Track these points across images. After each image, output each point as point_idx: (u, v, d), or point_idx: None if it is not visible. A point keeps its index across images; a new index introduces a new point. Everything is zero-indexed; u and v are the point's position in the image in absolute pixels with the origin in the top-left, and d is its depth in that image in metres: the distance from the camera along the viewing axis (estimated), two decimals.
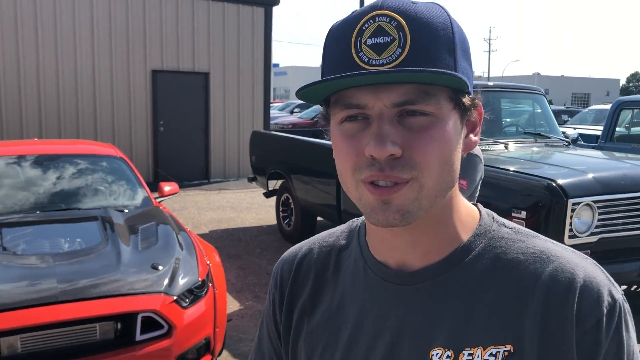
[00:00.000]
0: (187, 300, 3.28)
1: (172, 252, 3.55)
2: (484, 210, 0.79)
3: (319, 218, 6.90)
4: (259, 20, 11.84)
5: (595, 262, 0.73)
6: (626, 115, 7.57)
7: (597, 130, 9.44)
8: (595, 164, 4.35)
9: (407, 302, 0.74)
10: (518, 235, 0.75)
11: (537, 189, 3.67)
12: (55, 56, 10.04)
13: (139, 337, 3.06)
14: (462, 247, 0.74)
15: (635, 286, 4.74)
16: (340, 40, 0.68)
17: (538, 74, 70.40)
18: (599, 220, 3.71)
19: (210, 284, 3.52)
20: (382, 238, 0.77)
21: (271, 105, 26.86)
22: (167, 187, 4.86)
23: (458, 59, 0.67)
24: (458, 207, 0.75)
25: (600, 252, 3.77)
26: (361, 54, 0.66)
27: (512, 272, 0.71)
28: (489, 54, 67.89)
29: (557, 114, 17.80)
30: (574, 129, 9.90)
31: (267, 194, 7.66)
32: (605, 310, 0.67)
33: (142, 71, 10.75)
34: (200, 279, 3.42)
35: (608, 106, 12.31)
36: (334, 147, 0.72)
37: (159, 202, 4.73)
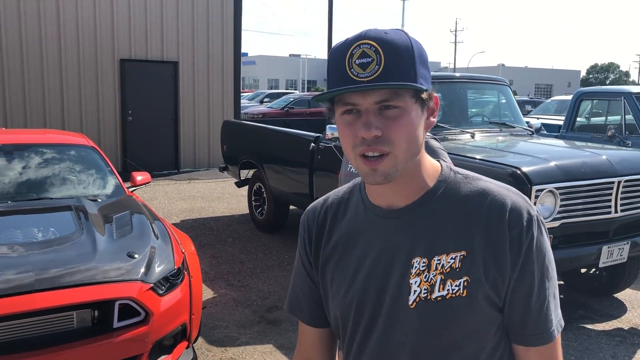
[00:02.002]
0: (164, 287, 3.32)
1: (148, 241, 3.58)
2: (444, 164, 1.15)
3: (291, 207, 6.98)
4: (228, 9, 11.77)
5: (518, 192, 1.09)
6: (586, 105, 7.82)
7: (559, 120, 9.72)
8: (557, 152, 4.52)
9: (395, 230, 1.09)
10: (467, 179, 1.11)
11: (502, 176, 3.81)
12: (20, 45, 9.84)
13: (116, 324, 3.09)
14: (430, 191, 1.10)
15: (593, 269, 4.97)
16: (338, 59, 1.02)
17: (503, 65, 71.46)
18: (560, 206, 3.88)
19: (185, 272, 3.56)
20: (376, 189, 1.12)
21: (241, 94, 26.72)
22: (139, 177, 4.87)
23: (417, 69, 1.01)
24: (425, 164, 1.11)
25: (561, 236, 3.94)
26: (352, 69, 0.99)
27: (464, 203, 1.07)
28: (455, 45, 68.61)
29: (521, 104, 18.17)
30: (537, 118, 10.17)
31: (239, 184, 7.69)
32: (525, 223, 1.04)
33: (110, 60, 10.61)
34: (176, 266, 3.46)
35: (569, 97, 12.65)
36: (339, 131, 1.06)
37: (132, 191, 4.73)
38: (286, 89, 53.59)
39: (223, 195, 9.25)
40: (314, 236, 1.21)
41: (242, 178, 7.55)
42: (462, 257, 1.03)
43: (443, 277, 1.04)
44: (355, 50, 0.99)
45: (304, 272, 1.25)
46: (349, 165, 3.70)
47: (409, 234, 1.08)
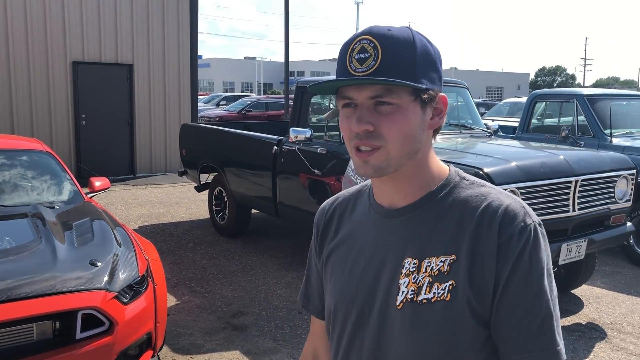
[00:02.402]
0: (128, 296, 3.24)
1: (110, 248, 3.48)
2: (453, 168, 1.13)
3: (253, 211, 6.91)
4: (184, 11, 11.61)
5: (521, 200, 1.04)
6: (540, 107, 8.05)
7: (513, 121, 9.96)
8: (516, 153, 4.63)
9: (393, 229, 1.09)
10: (471, 185, 1.09)
11: None
12: None
13: (79, 335, 2.99)
14: (431, 193, 1.08)
15: (554, 268, 5.10)
16: (342, 53, 1.04)
17: (455, 68, 72.92)
18: None
19: (150, 279, 3.48)
20: (377, 186, 1.13)
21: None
22: (97, 182, 4.73)
23: (418, 67, 1.01)
24: (430, 165, 1.10)
25: None
26: (351, 64, 1.01)
27: (462, 207, 1.05)
28: None
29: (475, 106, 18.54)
30: (492, 120, 10.40)
31: (199, 188, 7.58)
32: (517, 229, 0.99)
33: (62, 62, 10.30)
34: (140, 274, 3.38)
35: (521, 99, 13.00)
36: (340, 123, 1.07)
37: (90, 197, 4.60)
38: (242, 92, 53.24)
39: (182, 200, 9.10)
40: (321, 231, 1.25)
41: (202, 182, 7.44)
42: (451, 261, 1.01)
43: (431, 280, 1.02)
44: (355, 45, 1.01)
45: (313, 265, 1.31)
46: (350, 168, 3.72)
47: (404, 234, 1.07)
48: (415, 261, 1.04)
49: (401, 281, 1.05)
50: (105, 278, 3.18)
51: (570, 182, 4.18)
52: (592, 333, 4.42)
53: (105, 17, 10.67)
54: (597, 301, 5.08)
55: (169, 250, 6.35)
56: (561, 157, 4.34)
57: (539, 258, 0.99)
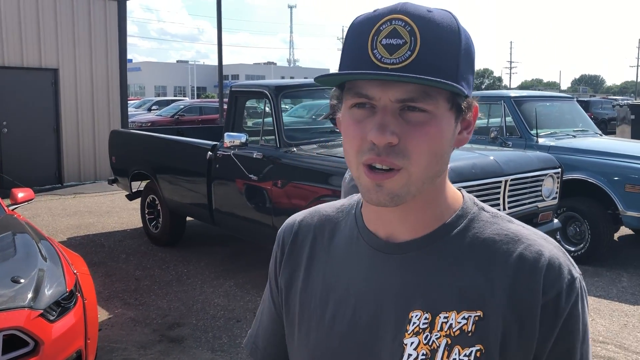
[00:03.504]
0: (55, 313, 3.08)
1: (34, 263, 3.30)
2: (467, 195, 0.90)
3: (189, 218, 6.76)
4: (112, 14, 11.23)
5: (559, 245, 0.85)
6: None
7: None
8: None
9: (392, 269, 0.85)
10: (495, 219, 0.86)
11: None
12: None
13: (0, 357, 2.82)
14: (445, 225, 0.85)
15: None
16: (360, 34, 0.77)
17: None
18: None
19: (78, 294, 3.33)
20: (376, 211, 0.87)
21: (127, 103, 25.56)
22: (20, 194, 4.48)
23: (460, 66, 0.77)
24: (445, 191, 0.87)
25: None
26: (375, 51, 0.75)
27: (487, 250, 0.82)
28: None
29: None
30: None
31: (131, 196, 7.34)
32: (565, 285, 0.80)
33: None
34: (67, 289, 3.22)
35: None
36: (343, 128, 0.82)
37: (12, 210, 4.35)
38: (175, 96, 52.25)
39: (113, 209, 8.78)
40: (286, 251, 0.98)
41: (133, 190, 7.21)
42: (477, 318, 0.79)
43: (450, 342, 0.79)
44: (384, 26, 0.75)
45: (269, 299, 1.02)
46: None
47: (409, 278, 0.83)
48: (426, 315, 0.80)
49: (407, 341, 0.81)
50: (30, 295, 3.02)
51: (500, 182, 4.31)
52: None
53: (26, 20, 10.17)
54: None
55: (100, 262, 6.11)
56: (491, 157, 4.47)
57: (585, 321, 0.83)
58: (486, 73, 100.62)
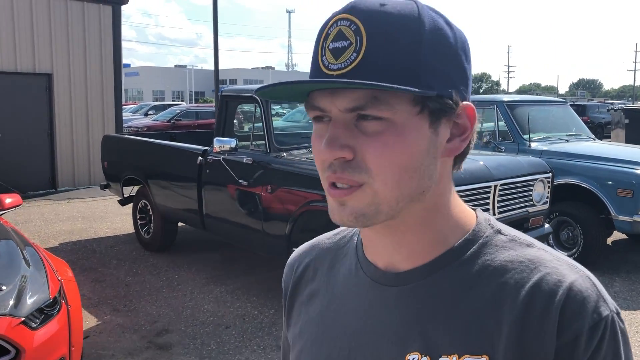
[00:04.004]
0: (37, 320, 3.05)
1: (17, 270, 3.26)
2: (482, 215, 0.77)
3: (180, 224, 6.73)
4: (106, 19, 11.23)
5: (589, 275, 0.70)
6: None
7: None
8: None
9: (389, 304, 0.74)
10: (511, 243, 0.73)
11: None
12: None
13: None
14: (450, 252, 0.73)
15: None
16: (316, 41, 0.70)
17: None
18: None
19: (63, 301, 3.29)
20: (369, 238, 0.78)
21: (123, 107, 25.64)
22: (8, 199, 4.44)
23: (426, 62, 0.66)
24: (448, 210, 0.74)
25: None
26: (324, 57, 0.68)
27: (496, 280, 0.69)
28: None
29: None
30: None
31: (123, 202, 7.31)
32: (587, 326, 0.65)
33: None
34: (51, 296, 3.19)
35: None
36: (312, 144, 0.73)
37: None
38: (173, 101, 52.28)
39: (106, 215, 8.75)
40: (289, 293, 0.90)
41: (125, 196, 7.18)
42: None
43: None
44: (331, 29, 0.68)
45: (285, 334, 0.94)
46: None
47: (407, 314, 0.73)
48: (425, 358, 0.70)
49: None
50: (11, 302, 2.98)
51: (490, 186, 4.29)
52: None
53: (20, 25, 10.16)
54: None
55: (90, 267, 6.07)
56: (481, 162, 4.45)
57: None
58: (484, 77, 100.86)
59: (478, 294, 0.69)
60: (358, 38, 0.65)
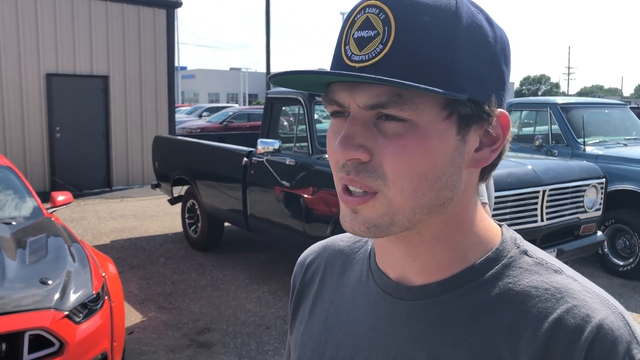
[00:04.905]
0: (81, 315, 3.14)
1: (63, 266, 3.38)
2: (509, 233, 0.70)
3: (226, 224, 6.82)
4: (160, 22, 11.53)
5: (623, 311, 0.62)
6: (516, 116, 8.04)
7: None
8: None
9: (398, 319, 0.69)
10: (538, 267, 0.66)
11: None
12: None
13: (26, 357, 2.89)
14: (468, 270, 0.67)
15: None
16: (341, 28, 0.65)
17: None
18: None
19: (106, 297, 3.38)
20: (382, 246, 0.73)
21: (178, 109, 26.25)
22: (60, 197, 4.62)
23: (461, 61, 0.60)
24: (470, 225, 0.68)
25: None
26: (347, 47, 0.63)
27: (517, 307, 0.63)
28: None
29: None
30: None
31: (172, 201, 7.47)
32: None
33: (36, 75, 10.15)
34: (94, 292, 3.28)
35: None
36: (327, 140, 0.68)
37: (51, 212, 4.48)
38: (227, 103, 53.22)
39: (157, 214, 8.97)
40: (295, 295, 0.87)
41: (174, 195, 7.33)
42: None
43: None
44: (358, 16, 0.63)
45: (287, 339, 0.91)
46: None
47: (417, 333, 0.67)
48: None
49: None
50: (56, 297, 3.09)
51: (538, 191, 4.14)
52: None
53: (79, 29, 10.55)
54: None
55: (139, 265, 6.23)
56: (529, 167, 4.31)
57: None
58: (543, 79, 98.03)
59: (495, 320, 0.63)
60: (386, 28, 0.59)
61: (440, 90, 0.57)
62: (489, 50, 0.62)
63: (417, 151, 0.60)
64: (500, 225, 0.72)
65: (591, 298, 0.61)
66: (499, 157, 0.67)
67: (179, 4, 11.76)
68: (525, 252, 0.67)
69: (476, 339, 0.63)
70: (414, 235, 0.66)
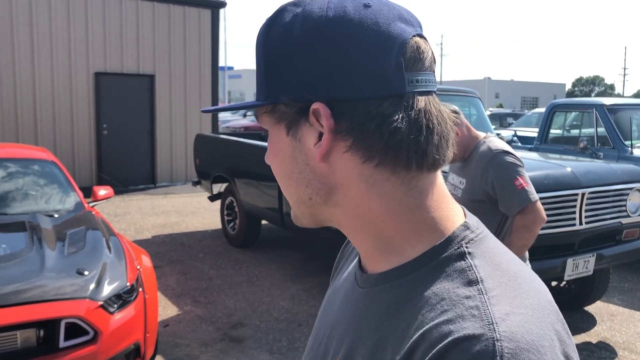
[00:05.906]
0: (115, 305, 3.23)
1: (100, 257, 3.49)
2: (462, 233, 0.65)
3: (263, 221, 6.89)
4: (205, 22, 11.74)
5: (506, 338, 0.53)
6: (560, 118, 7.84)
7: (535, 132, 9.74)
8: None
9: (350, 304, 0.72)
10: (458, 273, 0.61)
11: None
12: None
13: (62, 343, 3.00)
14: (401, 267, 0.65)
15: (564, 282, 4.93)
16: None
17: (489, 78, 72.13)
18: None
19: (140, 289, 3.47)
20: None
21: None
22: (101, 191, 4.77)
23: (269, 71, 0.66)
24: (390, 217, 0.65)
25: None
26: None
27: (413, 313, 0.60)
28: (441, 58, 69.18)
29: (503, 116, 18.26)
30: (515, 131, 10.19)
31: (212, 198, 7.61)
32: None
33: (85, 74, 10.50)
34: (129, 283, 3.37)
35: None
36: None
37: (92, 206, 4.63)
38: None
39: (198, 210, 9.14)
40: (333, 274, 0.92)
41: (214, 192, 7.46)
42: None
43: None
44: None
45: None
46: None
47: (352, 320, 0.70)
48: None
49: None
50: (92, 287, 3.19)
51: (577, 194, 4.03)
52: (602, 353, 4.23)
53: (126, 29, 10.86)
54: (611, 319, 4.87)
55: (178, 259, 6.37)
56: (568, 169, 4.19)
57: None
58: (597, 80, 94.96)
59: (394, 324, 0.61)
60: None
61: (247, 103, 0.70)
62: (294, 47, 0.63)
63: (272, 155, 0.71)
64: (465, 215, 0.68)
65: (473, 315, 0.55)
66: (399, 138, 0.62)
67: (224, 4, 11.94)
68: (462, 255, 0.62)
69: (379, 337, 0.63)
70: (342, 228, 0.70)
